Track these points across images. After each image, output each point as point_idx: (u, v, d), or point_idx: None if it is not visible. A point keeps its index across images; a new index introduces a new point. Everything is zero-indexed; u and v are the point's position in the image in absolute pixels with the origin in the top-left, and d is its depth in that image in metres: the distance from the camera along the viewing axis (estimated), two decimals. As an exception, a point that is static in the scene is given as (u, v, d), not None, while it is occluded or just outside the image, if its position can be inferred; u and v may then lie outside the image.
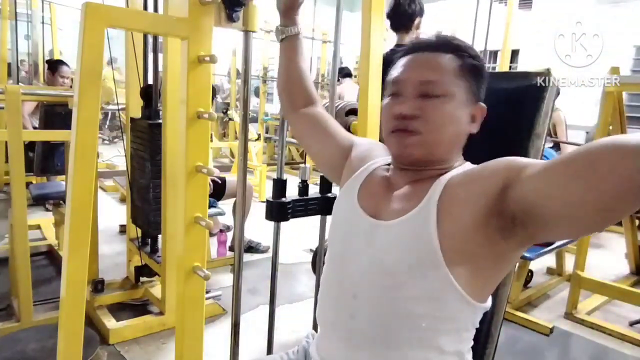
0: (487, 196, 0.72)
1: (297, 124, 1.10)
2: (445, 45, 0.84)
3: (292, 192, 1.53)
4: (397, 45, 2.37)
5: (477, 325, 0.83)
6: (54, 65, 3.83)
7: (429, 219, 0.75)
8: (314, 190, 1.58)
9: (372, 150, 0.99)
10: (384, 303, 0.78)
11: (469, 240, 0.73)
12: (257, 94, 6.87)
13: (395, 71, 0.85)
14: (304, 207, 1.54)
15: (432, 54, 0.83)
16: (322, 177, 1.56)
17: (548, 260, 3.19)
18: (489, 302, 0.81)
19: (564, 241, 2.71)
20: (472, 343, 0.85)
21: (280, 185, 1.49)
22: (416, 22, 2.39)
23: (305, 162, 2.06)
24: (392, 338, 0.78)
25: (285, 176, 1.52)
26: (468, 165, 0.84)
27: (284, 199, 1.49)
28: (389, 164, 0.93)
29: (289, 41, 1.11)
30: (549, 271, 3.22)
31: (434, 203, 0.76)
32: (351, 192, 0.90)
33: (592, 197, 0.59)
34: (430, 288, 0.75)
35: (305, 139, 1.11)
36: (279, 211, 1.48)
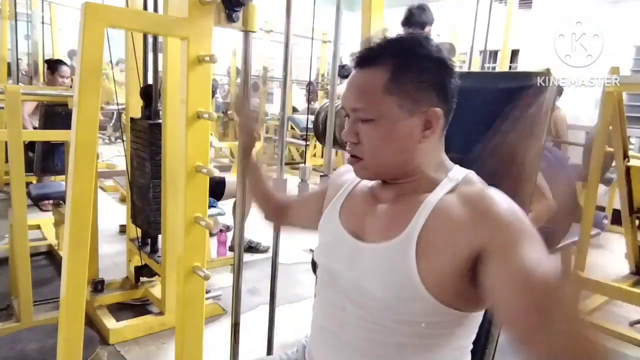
0: (463, 254, 0.71)
1: (285, 223, 1.21)
2: (377, 55, 0.79)
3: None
4: None
5: (476, 330, 0.83)
6: (54, 65, 3.82)
7: (408, 255, 0.74)
8: (314, 190, 1.58)
9: (348, 172, 0.97)
10: (370, 320, 0.78)
11: (448, 282, 0.73)
12: (255, 89, 6.85)
13: (342, 94, 0.85)
14: (304, 207, 1.54)
15: (362, 73, 0.80)
16: (321, 177, 1.56)
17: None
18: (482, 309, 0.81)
19: (568, 242, 2.71)
20: (470, 347, 0.84)
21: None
22: (427, 30, 2.67)
23: (305, 162, 2.06)
24: (380, 352, 0.78)
25: (285, 176, 1.52)
26: (457, 172, 0.81)
27: (284, 199, 1.49)
28: None
29: (253, 174, 1.21)
30: (554, 272, 3.21)
31: (414, 238, 0.75)
32: (333, 212, 0.91)
33: (525, 336, 0.64)
34: (416, 312, 0.75)
35: (296, 225, 1.17)
36: (279, 211, 1.48)
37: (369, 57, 0.80)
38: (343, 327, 0.82)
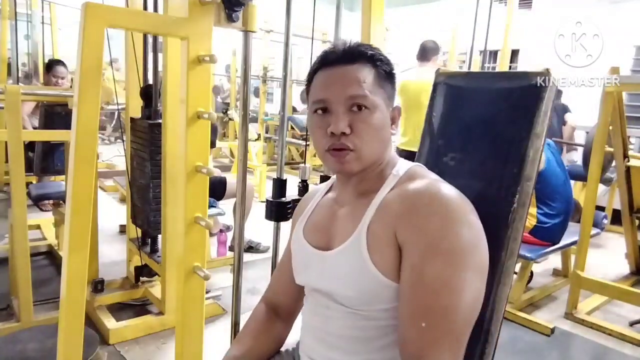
0: (397, 244, 0.78)
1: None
2: (360, 55, 0.85)
3: (292, 192, 1.53)
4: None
5: None
6: (49, 65, 3.82)
7: (361, 252, 0.80)
8: (314, 190, 1.58)
9: (312, 194, 1.04)
10: (352, 312, 0.83)
11: (400, 267, 0.78)
12: (256, 95, 6.84)
13: (317, 89, 0.86)
14: (304, 207, 1.54)
15: (352, 67, 0.84)
16: (322, 177, 1.56)
17: (555, 261, 3.20)
18: None
19: (568, 242, 2.71)
20: None
21: (280, 185, 1.49)
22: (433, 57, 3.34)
23: (305, 162, 2.06)
24: (362, 335, 0.83)
25: (285, 176, 1.52)
26: (400, 167, 0.88)
27: (283, 199, 1.49)
28: (332, 185, 1.00)
29: None
30: (555, 272, 3.22)
31: (363, 236, 0.81)
32: (299, 231, 0.97)
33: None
34: (389, 299, 0.79)
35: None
36: (278, 211, 1.48)
37: (351, 54, 0.85)
38: (328, 321, 0.87)
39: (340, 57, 0.85)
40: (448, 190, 0.79)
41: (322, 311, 0.88)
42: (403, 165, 0.89)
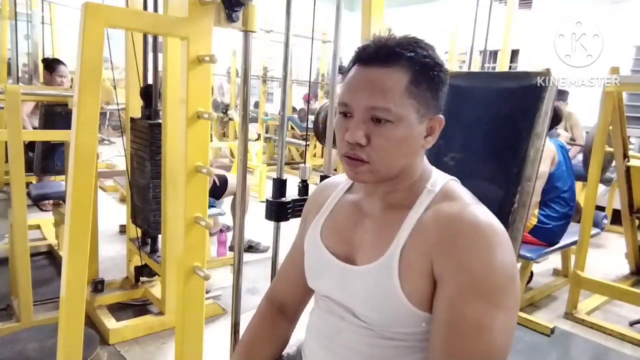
0: (433, 274, 0.74)
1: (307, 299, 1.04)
2: (396, 55, 0.75)
3: (292, 192, 1.53)
4: None
5: None
6: (52, 65, 3.80)
7: (392, 277, 0.75)
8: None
9: (329, 186, 0.97)
10: (368, 327, 0.80)
11: (432, 296, 0.75)
12: (255, 106, 6.84)
13: (344, 90, 0.78)
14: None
15: (381, 71, 0.74)
16: (322, 177, 1.56)
17: (555, 261, 3.20)
18: None
19: (568, 242, 2.71)
20: None
21: (280, 185, 1.49)
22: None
23: (305, 162, 2.06)
24: (377, 352, 0.80)
25: (285, 176, 1.52)
26: (437, 180, 0.82)
27: (283, 199, 1.49)
28: (353, 183, 0.93)
29: None
30: (555, 272, 3.22)
31: (395, 260, 0.76)
32: (315, 232, 0.91)
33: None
34: (411, 324, 0.77)
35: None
36: (278, 211, 1.48)
37: (386, 55, 0.75)
38: (341, 333, 0.83)
39: (373, 57, 0.76)
40: (486, 217, 0.73)
41: (335, 320, 0.84)
42: (439, 179, 0.82)
